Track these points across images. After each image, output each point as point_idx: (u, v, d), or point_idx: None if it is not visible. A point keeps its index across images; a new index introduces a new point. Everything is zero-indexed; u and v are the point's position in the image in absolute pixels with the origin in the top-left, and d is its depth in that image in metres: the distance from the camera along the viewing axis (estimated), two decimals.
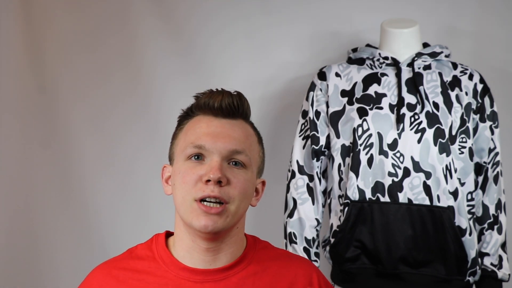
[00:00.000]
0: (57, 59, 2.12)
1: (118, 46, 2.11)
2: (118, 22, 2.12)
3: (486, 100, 1.71)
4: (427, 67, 1.72)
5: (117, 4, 2.12)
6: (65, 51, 2.12)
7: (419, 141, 1.62)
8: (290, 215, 1.73)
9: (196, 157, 1.12)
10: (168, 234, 1.21)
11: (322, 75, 1.76)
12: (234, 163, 1.12)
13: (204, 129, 1.13)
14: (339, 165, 1.69)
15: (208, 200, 1.09)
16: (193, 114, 1.17)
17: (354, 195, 1.63)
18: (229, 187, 1.10)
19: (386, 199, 1.62)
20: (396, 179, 1.62)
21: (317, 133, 1.73)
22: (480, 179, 1.71)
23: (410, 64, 1.70)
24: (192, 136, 1.13)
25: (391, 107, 1.66)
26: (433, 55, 1.72)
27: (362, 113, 1.66)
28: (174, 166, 1.15)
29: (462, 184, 1.66)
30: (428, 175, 1.61)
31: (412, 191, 1.61)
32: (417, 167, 1.61)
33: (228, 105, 1.14)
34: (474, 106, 1.69)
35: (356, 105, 1.68)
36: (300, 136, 1.77)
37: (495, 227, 1.68)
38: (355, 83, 1.72)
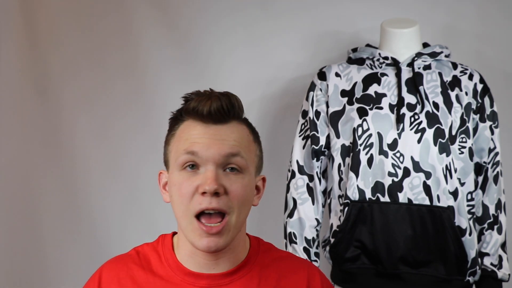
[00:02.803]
0: (58, 59, 2.12)
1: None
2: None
3: (486, 100, 1.71)
4: (427, 67, 1.72)
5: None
6: (66, 51, 2.12)
7: (419, 141, 1.62)
8: (290, 215, 1.73)
9: (190, 166, 1.09)
10: (174, 233, 1.20)
11: (322, 75, 1.76)
12: (230, 169, 1.09)
13: (195, 137, 1.09)
14: (339, 165, 1.69)
15: (206, 212, 1.07)
16: (182, 118, 1.13)
17: (354, 195, 1.63)
18: (227, 197, 1.07)
19: (386, 199, 1.62)
20: (396, 179, 1.62)
21: (317, 133, 1.73)
22: (480, 179, 1.71)
23: (410, 64, 1.70)
24: (184, 144, 1.10)
25: (391, 107, 1.66)
26: (433, 55, 1.72)
27: (362, 113, 1.66)
28: (170, 176, 1.13)
29: (462, 184, 1.66)
30: (428, 175, 1.61)
31: (412, 191, 1.61)
32: (417, 167, 1.61)
33: (217, 111, 1.09)
34: (474, 106, 1.69)
35: (356, 105, 1.68)
36: (300, 136, 1.77)
37: (495, 227, 1.68)
38: (355, 83, 1.72)
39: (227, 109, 1.10)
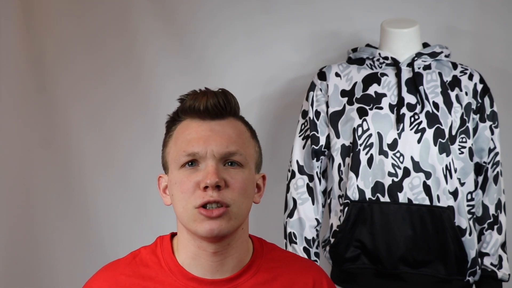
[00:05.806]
0: (57, 59, 2.12)
1: (118, 47, 2.11)
2: (118, 22, 2.11)
3: (486, 100, 1.71)
4: (427, 67, 1.72)
5: (117, 4, 2.11)
6: (65, 51, 2.12)
7: (419, 141, 1.62)
8: (290, 215, 1.73)
9: (190, 163, 1.09)
10: (173, 234, 1.18)
11: (322, 75, 1.76)
12: (230, 163, 1.09)
13: (193, 135, 1.10)
14: (339, 165, 1.69)
15: (209, 207, 1.07)
16: (179, 118, 1.14)
17: (354, 195, 1.63)
18: (227, 190, 1.07)
19: (386, 199, 1.62)
20: (396, 179, 1.62)
21: (317, 133, 1.73)
22: (480, 179, 1.71)
23: (410, 64, 1.70)
24: (182, 143, 1.10)
25: (391, 107, 1.66)
26: (433, 55, 1.72)
27: (362, 113, 1.66)
28: (170, 176, 1.12)
29: (462, 184, 1.66)
30: (428, 175, 1.61)
31: (412, 191, 1.61)
32: (417, 167, 1.61)
33: (215, 106, 1.10)
34: (474, 106, 1.69)
35: (356, 105, 1.68)
36: (300, 136, 1.77)
37: (495, 227, 1.68)
38: (355, 83, 1.72)
39: (224, 105, 1.11)
